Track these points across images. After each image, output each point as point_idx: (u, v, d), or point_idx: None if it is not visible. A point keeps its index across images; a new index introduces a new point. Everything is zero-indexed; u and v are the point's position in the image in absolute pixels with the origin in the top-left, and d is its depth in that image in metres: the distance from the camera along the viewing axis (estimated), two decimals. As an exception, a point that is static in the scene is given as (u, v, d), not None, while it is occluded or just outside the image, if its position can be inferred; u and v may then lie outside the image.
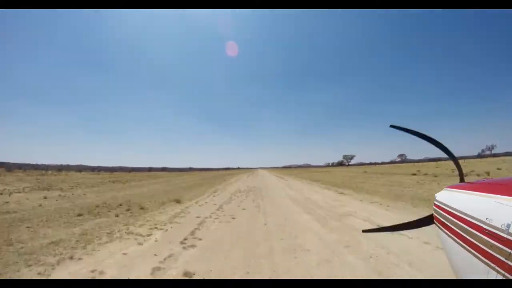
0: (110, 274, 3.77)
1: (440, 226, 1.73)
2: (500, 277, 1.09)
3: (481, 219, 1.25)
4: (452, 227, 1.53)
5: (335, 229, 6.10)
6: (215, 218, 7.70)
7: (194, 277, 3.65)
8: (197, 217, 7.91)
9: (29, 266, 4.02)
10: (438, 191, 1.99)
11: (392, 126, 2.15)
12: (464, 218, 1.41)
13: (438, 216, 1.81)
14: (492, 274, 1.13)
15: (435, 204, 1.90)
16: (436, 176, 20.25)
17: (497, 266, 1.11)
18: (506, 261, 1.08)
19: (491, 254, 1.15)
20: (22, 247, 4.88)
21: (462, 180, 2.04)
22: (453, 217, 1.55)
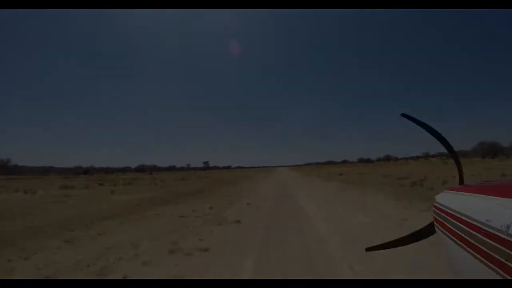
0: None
1: (440, 228, 1.72)
2: (499, 278, 1.11)
3: (481, 220, 1.25)
4: (452, 228, 1.52)
5: None
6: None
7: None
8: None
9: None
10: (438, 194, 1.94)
11: (403, 114, 1.98)
12: (463, 220, 1.41)
13: (437, 218, 1.79)
14: (491, 275, 1.14)
15: (434, 206, 1.88)
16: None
17: (497, 267, 1.12)
18: (505, 262, 1.09)
19: (491, 255, 1.15)
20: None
21: (461, 182, 1.95)
22: (452, 218, 1.54)
